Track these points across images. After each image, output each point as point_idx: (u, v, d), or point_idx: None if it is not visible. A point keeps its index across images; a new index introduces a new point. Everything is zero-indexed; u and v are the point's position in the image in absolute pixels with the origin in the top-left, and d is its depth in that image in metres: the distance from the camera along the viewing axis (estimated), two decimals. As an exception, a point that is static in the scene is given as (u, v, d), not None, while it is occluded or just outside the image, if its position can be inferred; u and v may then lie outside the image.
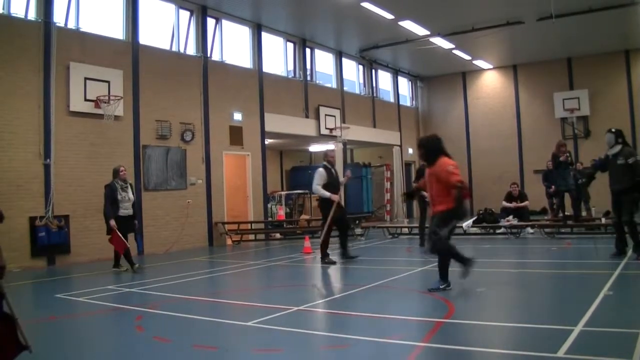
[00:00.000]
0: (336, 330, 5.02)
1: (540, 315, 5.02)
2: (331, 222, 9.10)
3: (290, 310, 5.63)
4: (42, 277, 9.19)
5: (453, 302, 5.64)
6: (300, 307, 5.79)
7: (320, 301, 6.30)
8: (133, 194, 9.32)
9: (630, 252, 8.01)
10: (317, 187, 9.15)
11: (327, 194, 9.05)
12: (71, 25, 11.32)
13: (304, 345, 4.46)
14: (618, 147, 8.01)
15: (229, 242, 13.97)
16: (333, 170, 9.45)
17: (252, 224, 14.26)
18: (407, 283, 7.36)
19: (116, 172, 9.15)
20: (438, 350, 4.07)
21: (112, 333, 5.18)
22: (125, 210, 9.04)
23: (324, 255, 9.14)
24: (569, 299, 5.86)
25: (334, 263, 8.98)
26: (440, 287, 6.20)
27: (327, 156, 9.52)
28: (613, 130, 8.14)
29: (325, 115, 17.94)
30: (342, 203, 9.59)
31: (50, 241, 10.20)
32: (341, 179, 9.87)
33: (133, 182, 11.98)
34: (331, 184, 9.19)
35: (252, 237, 14.11)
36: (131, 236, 9.40)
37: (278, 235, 15.00)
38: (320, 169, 9.36)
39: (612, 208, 8.29)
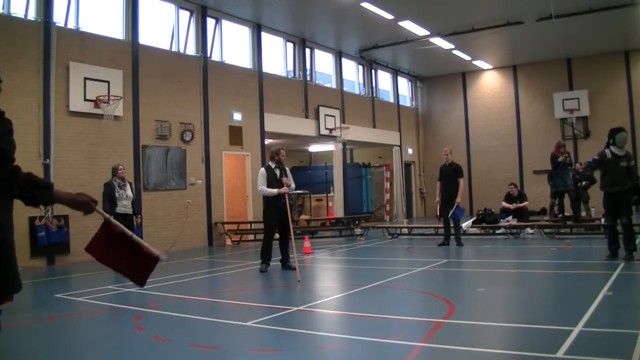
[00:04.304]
0: (336, 330, 5.02)
1: (539, 316, 5.02)
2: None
3: (290, 310, 5.63)
4: (42, 276, 9.19)
5: (453, 302, 5.64)
6: (300, 307, 5.79)
7: (320, 301, 6.30)
8: (132, 192, 9.43)
9: (624, 253, 7.96)
10: (262, 187, 8.53)
11: (274, 191, 8.44)
12: (71, 25, 11.31)
13: (303, 345, 4.45)
14: (624, 150, 8.05)
15: (228, 242, 13.96)
16: (278, 171, 8.64)
17: (252, 224, 14.24)
18: (407, 283, 7.35)
19: (115, 170, 9.34)
20: (438, 351, 4.06)
21: (111, 333, 5.18)
22: (124, 208, 9.17)
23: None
24: (568, 299, 5.86)
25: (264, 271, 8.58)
26: None
27: (279, 154, 8.68)
28: (625, 130, 8.11)
29: (325, 115, 17.96)
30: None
31: (49, 241, 10.22)
32: (285, 179, 8.61)
33: (133, 182, 12.02)
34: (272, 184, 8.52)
35: (251, 237, 14.08)
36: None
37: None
38: (262, 169, 8.78)
39: (608, 210, 8.08)
